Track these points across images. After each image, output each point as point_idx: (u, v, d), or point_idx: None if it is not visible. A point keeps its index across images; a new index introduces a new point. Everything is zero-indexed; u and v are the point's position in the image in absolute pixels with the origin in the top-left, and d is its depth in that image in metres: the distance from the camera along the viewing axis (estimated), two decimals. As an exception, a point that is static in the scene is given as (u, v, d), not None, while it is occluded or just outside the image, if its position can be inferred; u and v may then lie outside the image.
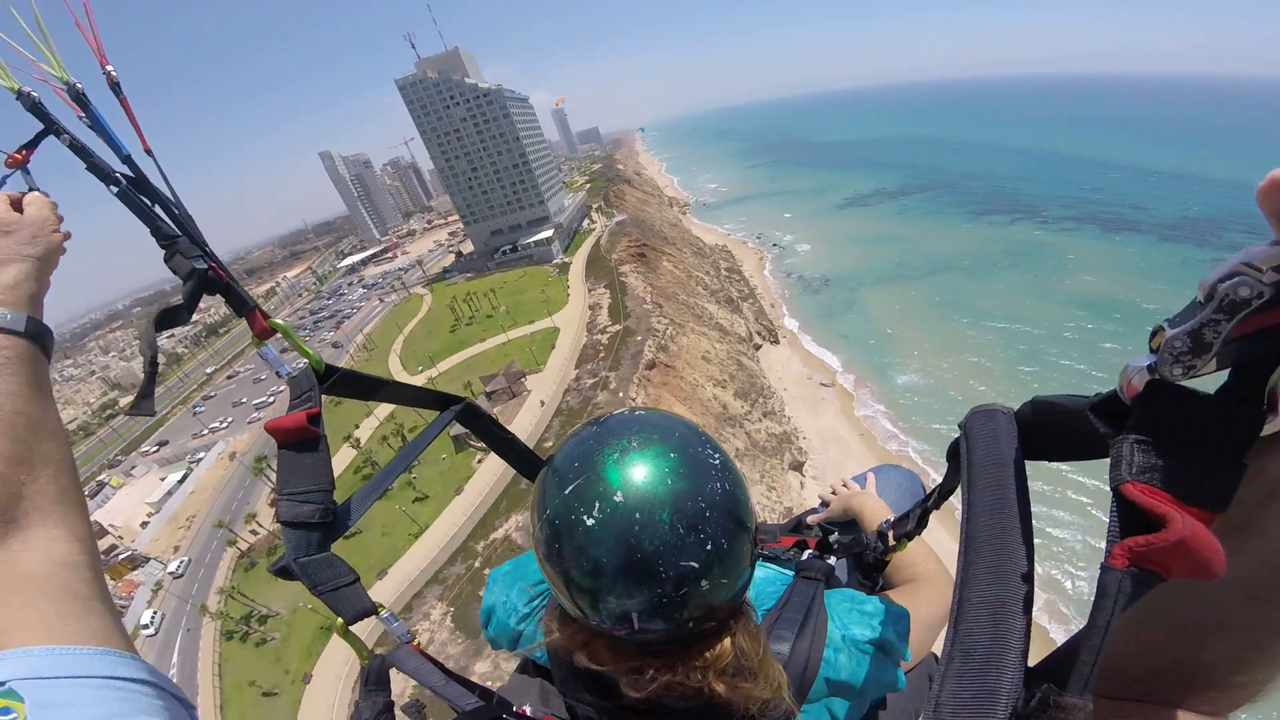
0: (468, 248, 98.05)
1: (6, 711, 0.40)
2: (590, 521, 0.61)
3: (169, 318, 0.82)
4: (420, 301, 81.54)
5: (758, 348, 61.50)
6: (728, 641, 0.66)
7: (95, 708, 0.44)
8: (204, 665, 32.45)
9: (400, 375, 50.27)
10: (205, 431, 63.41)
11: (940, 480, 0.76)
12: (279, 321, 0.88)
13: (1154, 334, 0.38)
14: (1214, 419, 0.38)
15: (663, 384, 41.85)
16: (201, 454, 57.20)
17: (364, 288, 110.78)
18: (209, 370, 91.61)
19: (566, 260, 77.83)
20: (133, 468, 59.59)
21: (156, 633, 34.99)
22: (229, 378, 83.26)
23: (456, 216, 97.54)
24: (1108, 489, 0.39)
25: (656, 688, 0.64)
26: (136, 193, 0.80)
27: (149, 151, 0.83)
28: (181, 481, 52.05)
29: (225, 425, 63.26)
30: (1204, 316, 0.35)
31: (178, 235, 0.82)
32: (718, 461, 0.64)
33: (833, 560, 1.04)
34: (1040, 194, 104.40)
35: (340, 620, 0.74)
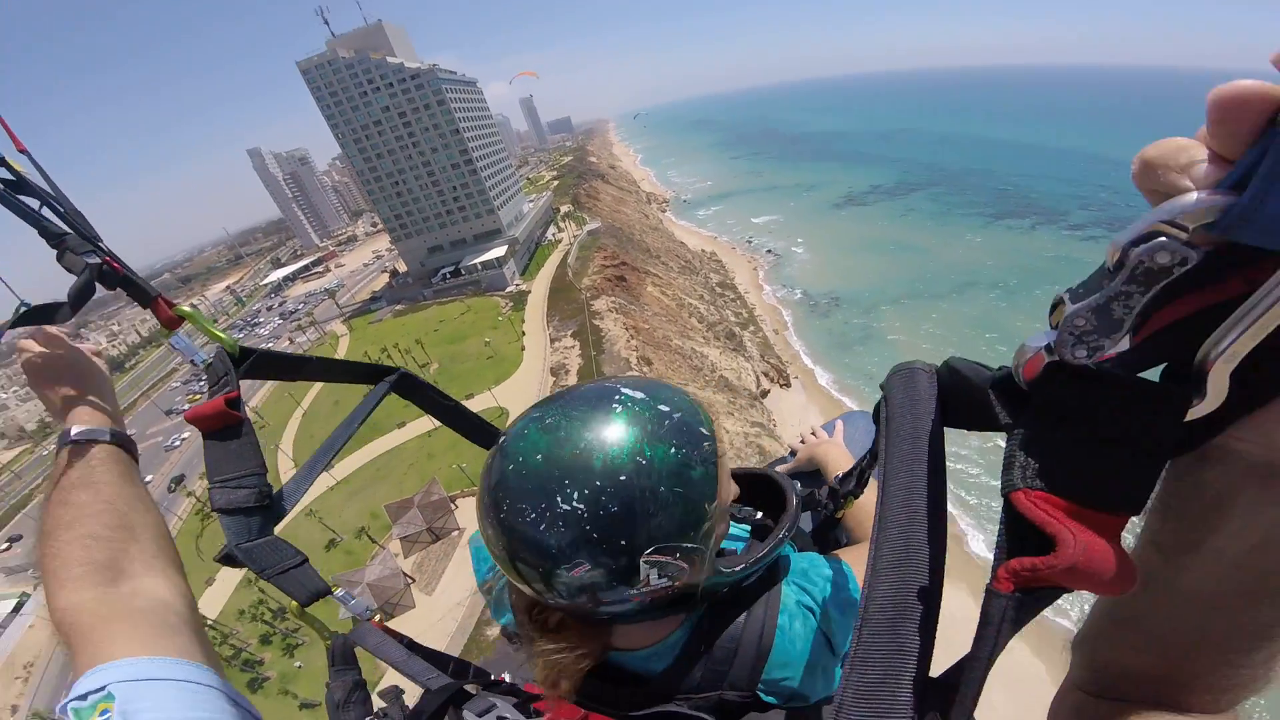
0: (403, 266, 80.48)
1: (105, 712, 0.52)
2: (502, 440, 0.67)
3: (39, 315, 0.80)
4: (335, 345, 63.87)
5: (765, 394, 48.58)
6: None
7: (173, 702, 0.56)
8: None
9: (288, 474, 34.42)
10: (53, 534, 48.32)
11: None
12: (185, 308, 0.87)
13: (1054, 307, 0.32)
14: (1127, 404, 0.31)
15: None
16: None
17: (280, 317, 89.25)
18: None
19: (524, 287, 62.23)
20: (-28, 575, 44.66)
21: None
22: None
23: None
24: None
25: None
26: (15, 195, 0.78)
27: (24, 151, 0.82)
28: (16, 612, 40.35)
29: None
30: (1113, 288, 0.28)
31: (65, 232, 0.81)
32: (583, 503, 0.60)
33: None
34: (1053, 193, 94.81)
35: (294, 603, 0.75)
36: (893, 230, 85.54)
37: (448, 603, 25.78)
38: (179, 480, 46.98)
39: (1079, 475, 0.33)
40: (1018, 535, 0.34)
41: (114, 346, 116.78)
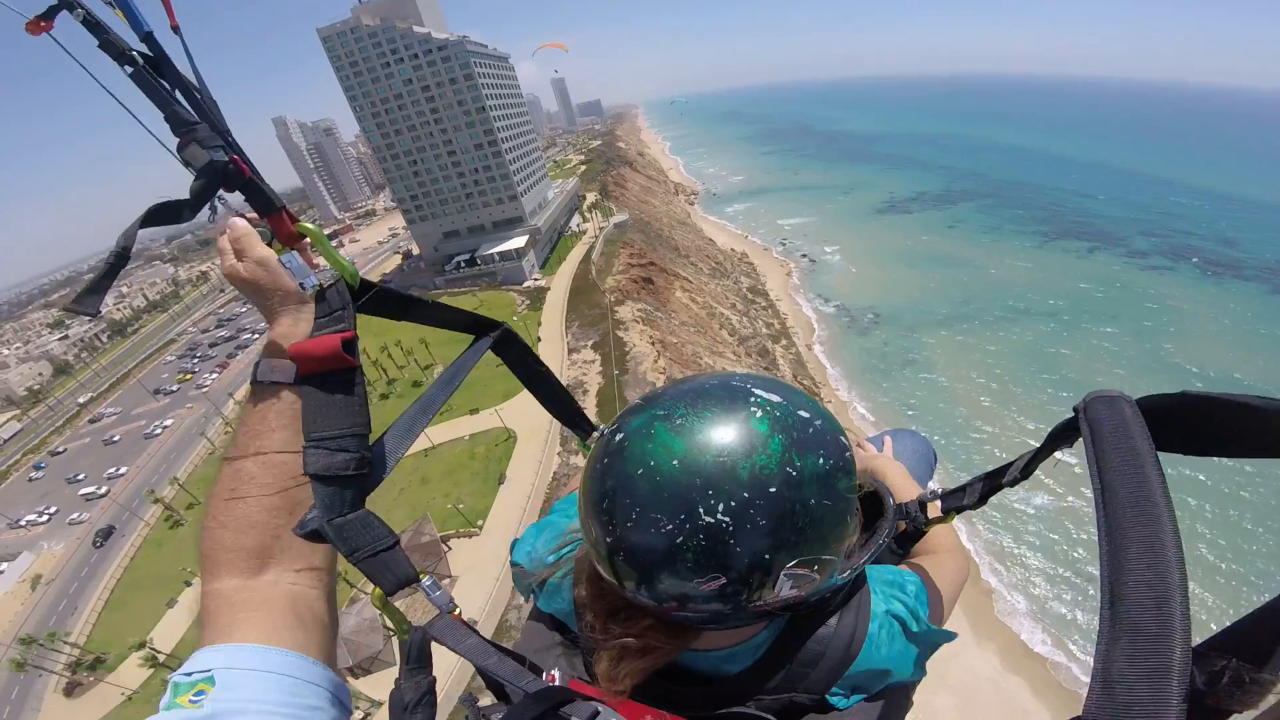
0: (418, 249, 76.20)
1: (200, 693, 0.52)
2: (619, 436, 0.63)
3: (166, 213, 0.69)
4: (338, 334, 59.79)
5: (796, 418, 43.99)
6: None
7: (268, 693, 0.55)
8: None
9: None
10: (23, 523, 45.19)
11: (1015, 459, 0.73)
12: (309, 225, 0.79)
13: None
14: None
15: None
16: (4, 565, 39.88)
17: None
18: (81, 400, 68.88)
19: (542, 283, 57.84)
20: (-66, 563, 40.60)
21: None
22: (91, 421, 61.57)
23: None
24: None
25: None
26: (154, 74, 0.70)
27: (175, 29, 0.73)
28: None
29: (44, 521, 44.65)
30: None
31: (197, 122, 0.72)
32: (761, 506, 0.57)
33: None
34: (1111, 216, 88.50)
35: (379, 590, 0.68)
36: (937, 242, 79.96)
37: (442, 663, 21.95)
38: (106, 534, 39.28)
39: None
40: None
41: (119, 310, 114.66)
